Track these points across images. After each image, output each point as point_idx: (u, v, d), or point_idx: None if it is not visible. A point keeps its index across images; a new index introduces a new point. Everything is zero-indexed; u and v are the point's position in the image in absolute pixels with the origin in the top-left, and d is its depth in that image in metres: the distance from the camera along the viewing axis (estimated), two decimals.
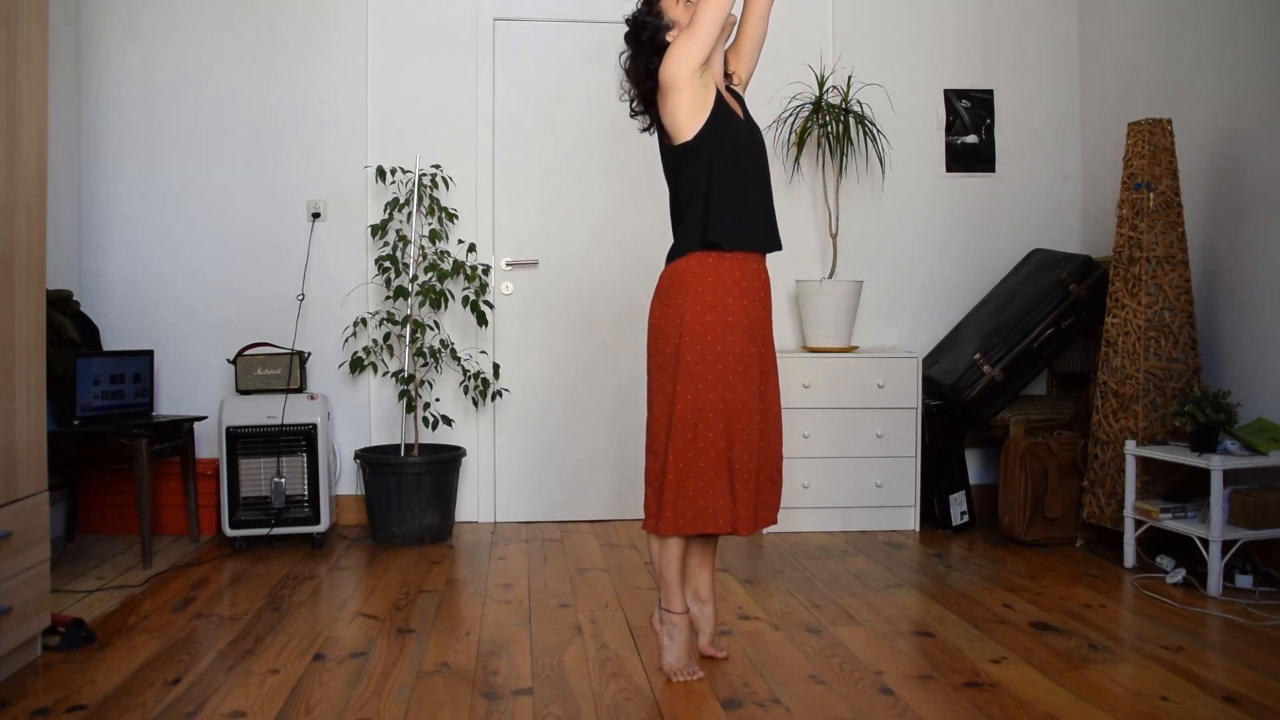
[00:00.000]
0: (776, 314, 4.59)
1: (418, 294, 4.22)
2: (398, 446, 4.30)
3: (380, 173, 4.31)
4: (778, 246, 2.70)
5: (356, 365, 4.24)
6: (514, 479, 4.58)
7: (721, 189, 2.56)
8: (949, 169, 4.75)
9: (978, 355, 4.26)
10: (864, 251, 4.67)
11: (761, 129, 4.80)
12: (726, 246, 2.56)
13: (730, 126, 2.59)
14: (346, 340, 4.39)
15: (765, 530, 4.28)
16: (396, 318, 4.28)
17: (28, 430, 2.63)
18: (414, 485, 4.07)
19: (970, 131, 4.76)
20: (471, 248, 4.37)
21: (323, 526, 4.06)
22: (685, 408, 2.52)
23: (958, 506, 4.33)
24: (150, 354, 4.14)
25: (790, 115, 4.50)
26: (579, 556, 3.93)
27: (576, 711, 2.41)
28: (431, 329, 4.40)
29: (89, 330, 4.13)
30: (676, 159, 2.61)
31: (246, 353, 4.18)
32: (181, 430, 4.08)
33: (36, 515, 2.66)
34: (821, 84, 4.44)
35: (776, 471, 2.68)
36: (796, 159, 4.54)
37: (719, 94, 2.60)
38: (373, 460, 4.13)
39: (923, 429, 4.33)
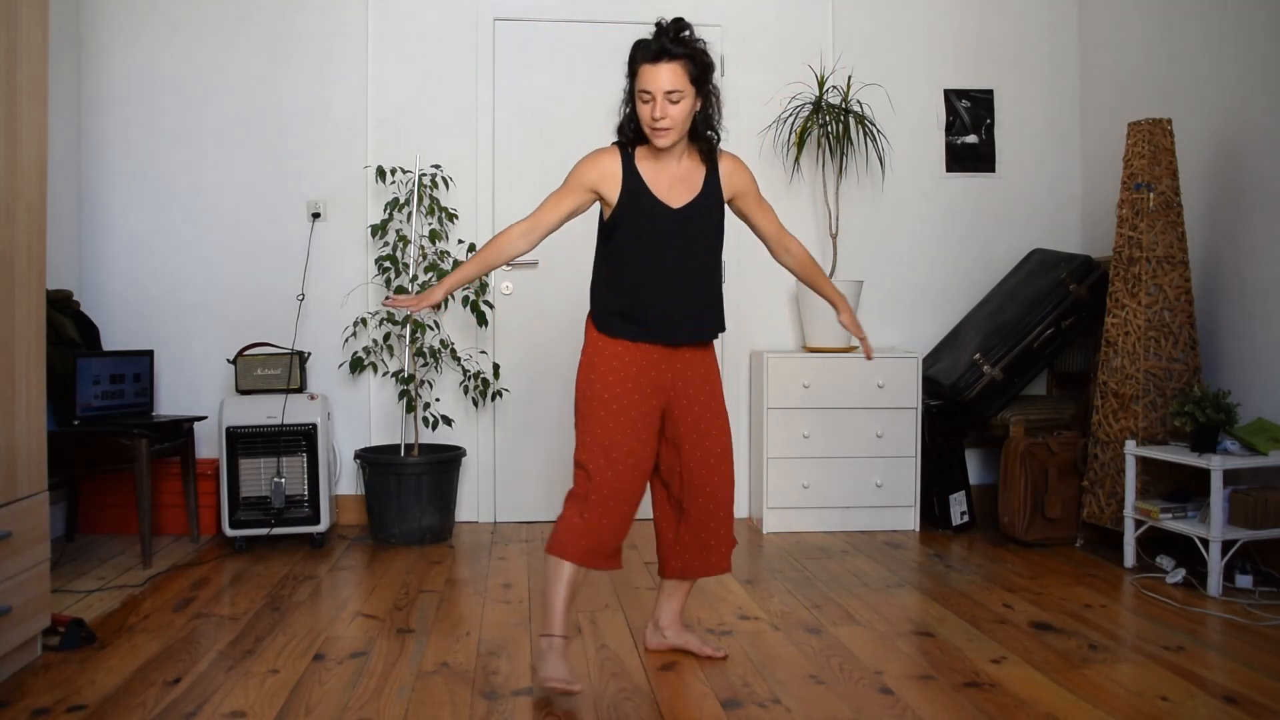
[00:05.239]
0: (777, 314, 4.65)
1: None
2: (398, 446, 4.30)
3: (380, 173, 4.31)
4: (692, 341, 2.65)
5: (356, 365, 4.24)
6: (514, 479, 4.58)
7: (619, 287, 2.59)
8: (949, 169, 4.75)
9: (978, 355, 4.26)
10: (864, 251, 4.68)
11: (761, 129, 4.83)
12: (611, 335, 2.61)
13: (642, 218, 2.56)
14: (346, 340, 4.39)
15: (766, 530, 4.29)
16: (396, 318, 4.28)
17: (28, 430, 2.63)
18: (414, 485, 4.07)
19: (970, 131, 4.76)
20: (471, 248, 4.37)
21: (323, 526, 4.06)
22: (578, 446, 2.59)
23: (958, 506, 4.33)
24: (150, 354, 4.14)
25: (790, 115, 4.50)
26: None
27: (576, 711, 2.41)
28: (431, 329, 4.40)
29: (89, 330, 4.13)
30: (599, 228, 2.66)
31: (246, 353, 4.18)
32: (181, 430, 4.08)
33: (36, 515, 2.66)
34: (821, 84, 4.44)
35: (714, 523, 2.76)
36: (796, 159, 4.55)
37: (640, 184, 2.56)
38: (373, 460, 4.13)
39: (923, 429, 4.33)
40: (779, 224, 2.80)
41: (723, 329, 2.74)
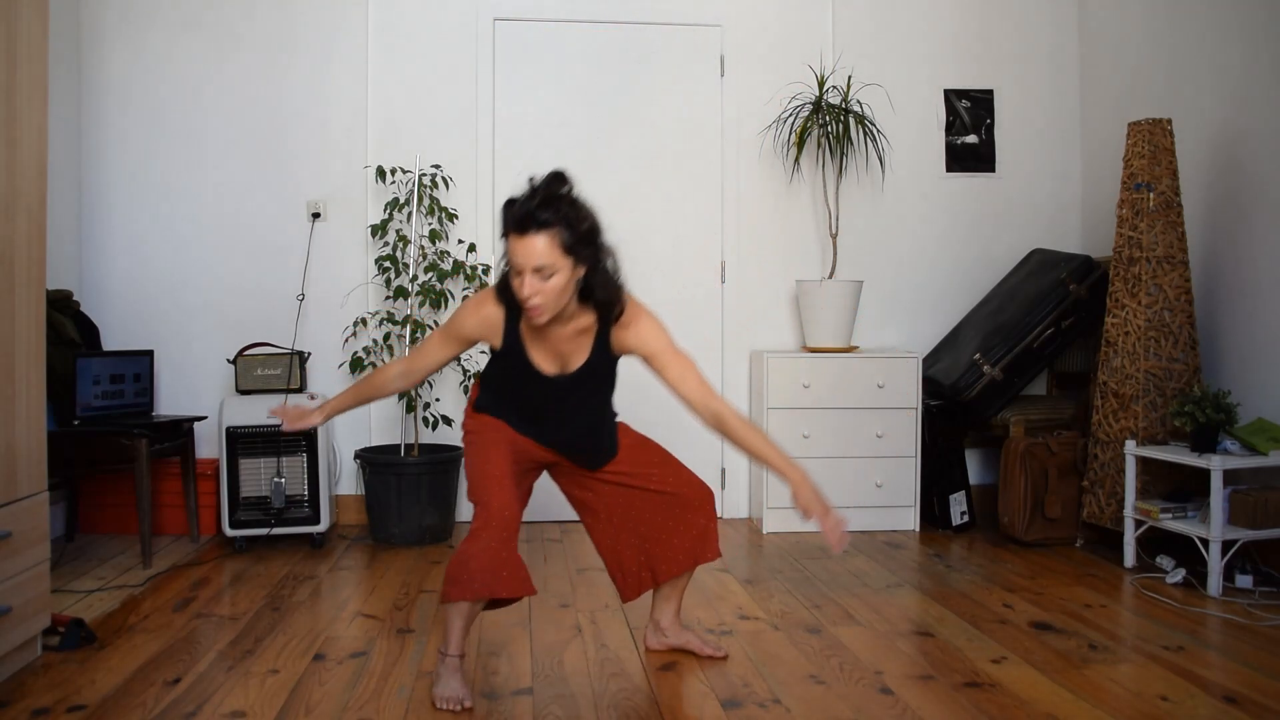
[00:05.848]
0: (777, 314, 4.66)
1: (418, 294, 4.22)
2: (398, 446, 4.30)
3: (380, 173, 4.31)
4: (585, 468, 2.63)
5: (356, 365, 4.24)
6: None
7: (502, 408, 2.54)
8: (949, 169, 4.75)
9: (978, 355, 4.26)
10: (864, 251, 4.68)
11: (761, 129, 4.83)
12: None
13: (521, 381, 2.46)
14: (346, 340, 4.39)
15: (766, 530, 4.29)
16: (396, 318, 4.28)
17: (28, 430, 2.63)
18: (414, 485, 4.07)
19: (970, 131, 4.76)
20: (471, 248, 4.37)
21: (323, 526, 4.06)
22: (472, 486, 2.53)
23: (958, 506, 4.33)
24: (150, 354, 4.14)
25: (790, 115, 4.50)
26: (579, 556, 3.93)
27: (576, 711, 2.41)
28: (431, 329, 4.40)
29: (89, 330, 4.13)
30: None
31: (246, 353, 4.18)
32: (181, 430, 4.08)
33: (36, 515, 2.66)
34: (821, 84, 4.44)
35: (697, 514, 2.69)
36: (796, 159, 4.55)
37: (520, 348, 2.43)
38: (373, 460, 4.13)
39: (923, 429, 4.33)
40: (702, 385, 2.40)
41: (613, 456, 2.64)
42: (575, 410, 2.54)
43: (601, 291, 2.34)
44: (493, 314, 2.41)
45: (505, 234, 2.26)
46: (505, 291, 2.37)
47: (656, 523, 2.68)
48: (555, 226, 2.21)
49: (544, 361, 2.45)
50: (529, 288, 2.23)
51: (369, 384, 2.59)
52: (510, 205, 2.25)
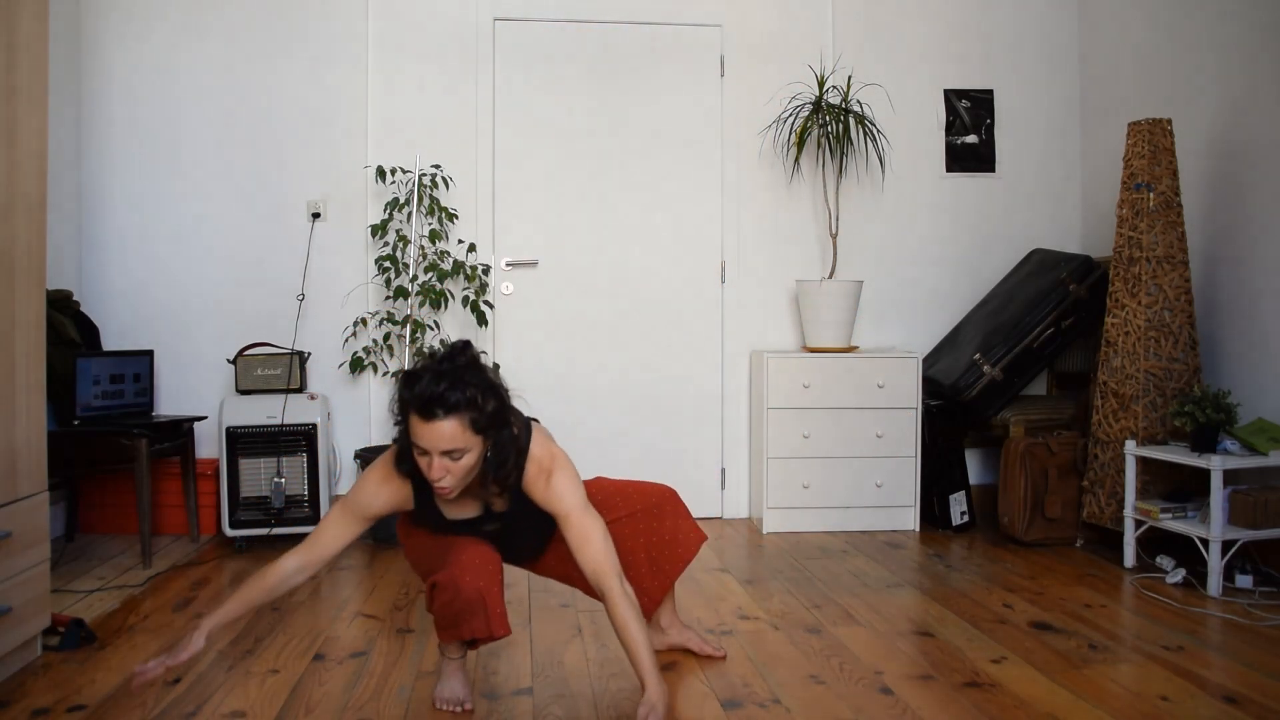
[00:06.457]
0: (777, 314, 4.66)
1: (418, 294, 4.22)
2: None
3: (380, 173, 4.31)
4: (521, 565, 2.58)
5: (356, 365, 4.24)
6: None
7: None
8: (949, 169, 4.75)
9: (978, 355, 4.26)
10: (864, 251, 4.68)
11: (761, 129, 4.83)
12: None
13: (439, 523, 2.33)
14: (346, 340, 4.39)
15: (766, 530, 4.29)
16: (396, 318, 4.28)
17: (28, 430, 2.63)
18: None
19: (970, 131, 4.76)
20: (471, 248, 4.37)
21: None
22: (419, 567, 2.48)
23: (958, 506, 4.33)
24: (150, 354, 4.14)
25: (790, 115, 4.50)
26: None
27: (576, 711, 2.41)
28: (431, 329, 4.40)
29: (89, 330, 4.13)
30: None
31: (246, 353, 4.18)
32: (181, 430, 4.08)
33: (36, 515, 2.66)
34: (821, 84, 4.44)
35: (671, 520, 2.64)
36: (796, 159, 4.55)
37: (435, 512, 2.31)
38: (373, 460, 4.12)
39: (923, 429, 4.33)
40: (599, 558, 2.21)
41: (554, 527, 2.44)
42: (511, 534, 2.43)
43: (506, 462, 2.19)
44: (399, 490, 2.27)
45: (406, 413, 2.08)
46: (404, 463, 2.20)
47: (627, 548, 2.59)
48: (464, 409, 2.04)
49: (463, 511, 2.33)
50: (438, 470, 2.07)
51: (259, 587, 2.22)
52: (412, 383, 2.06)
